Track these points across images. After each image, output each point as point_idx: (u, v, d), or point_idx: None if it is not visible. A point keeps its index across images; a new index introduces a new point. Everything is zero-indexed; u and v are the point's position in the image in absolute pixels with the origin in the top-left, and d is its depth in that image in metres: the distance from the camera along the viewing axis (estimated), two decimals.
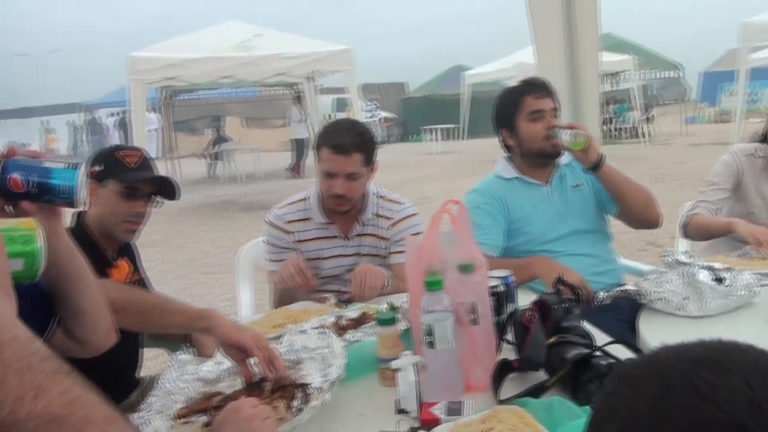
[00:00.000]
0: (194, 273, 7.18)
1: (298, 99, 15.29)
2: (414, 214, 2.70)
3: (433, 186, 12.11)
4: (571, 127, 2.54)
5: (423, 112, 24.67)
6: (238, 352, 1.66)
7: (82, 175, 1.20)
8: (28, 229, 0.97)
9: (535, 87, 2.66)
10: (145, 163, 2.28)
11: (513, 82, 3.07)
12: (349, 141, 2.47)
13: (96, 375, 2.21)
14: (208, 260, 7.69)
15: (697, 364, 0.57)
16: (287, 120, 17.30)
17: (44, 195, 1.18)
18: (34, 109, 29.69)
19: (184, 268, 7.45)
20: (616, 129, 19.11)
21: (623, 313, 2.21)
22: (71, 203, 1.21)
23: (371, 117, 24.66)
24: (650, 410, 0.55)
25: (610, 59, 16.21)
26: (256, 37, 10.08)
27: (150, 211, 2.30)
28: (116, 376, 2.29)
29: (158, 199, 2.32)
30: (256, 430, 1.29)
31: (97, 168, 2.22)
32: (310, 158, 13.72)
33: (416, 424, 1.43)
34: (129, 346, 2.26)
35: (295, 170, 15.82)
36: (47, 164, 1.19)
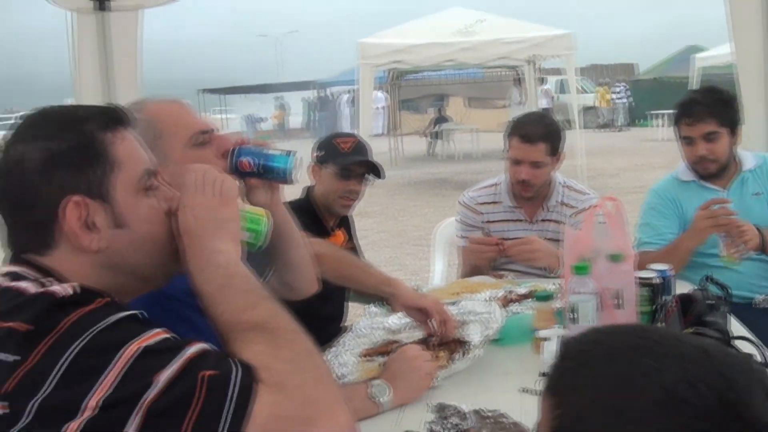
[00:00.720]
0: (404, 244, 7.71)
1: (519, 81, 15.34)
2: (597, 206, 2.86)
3: (653, 175, 11.56)
4: (736, 231, 2.46)
5: (652, 96, 23.12)
6: (419, 313, 2.01)
7: (294, 160, 1.57)
8: (259, 214, 1.35)
9: (687, 112, 2.63)
10: (357, 147, 2.70)
11: None
12: (535, 132, 2.71)
13: (307, 320, 2.71)
14: (417, 233, 8.17)
15: (640, 352, 0.79)
16: (508, 101, 17.42)
17: (266, 174, 1.56)
18: (271, 85, 32.26)
19: (396, 238, 8.02)
20: None
21: None
22: (286, 181, 1.58)
23: (620, 99, 23.63)
24: (614, 388, 0.77)
25: None
26: (479, 22, 10.38)
27: (364, 188, 2.72)
28: (323, 323, 2.75)
29: (370, 178, 2.74)
30: (416, 368, 1.64)
31: (318, 153, 2.69)
32: None
33: None
34: (335, 299, 2.70)
35: None
36: (269, 151, 1.56)
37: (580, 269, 1.75)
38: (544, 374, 1.76)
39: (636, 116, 24.56)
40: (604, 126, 23.52)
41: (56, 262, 1.06)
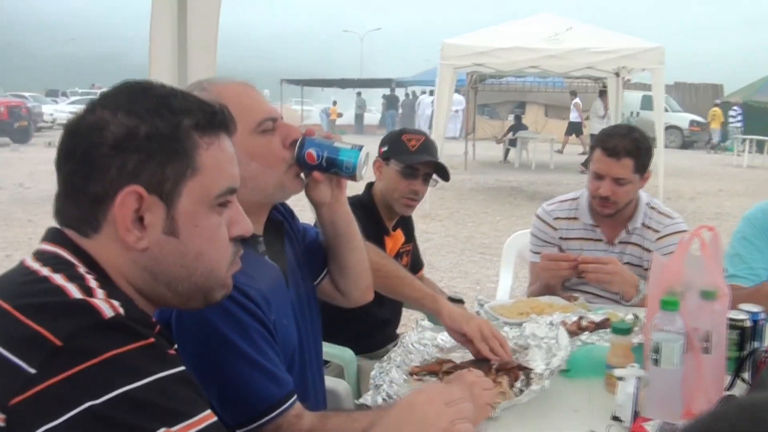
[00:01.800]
0: (469, 251, 7.51)
1: (603, 93, 14.89)
2: (683, 231, 2.63)
3: (732, 203, 11.06)
4: None
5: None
6: (463, 337, 1.84)
7: (363, 155, 1.45)
8: None
9: None
10: (424, 146, 2.55)
11: None
12: (621, 146, 2.48)
13: (359, 324, 2.57)
14: (484, 241, 7.98)
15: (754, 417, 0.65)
16: (589, 114, 16.95)
17: (331, 168, 1.45)
18: (351, 80, 32.55)
19: (461, 244, 7.84)
20: None
21: None
22: (352, 177, 1.47)
23: (734, 122, 22.71)
24: None
25: None
26: (567, 30, 10.05)
27: (426, 189, 2.57)
28: (377, 328, 2.63)
29: (435, 179, 2.58)
30: (475, 395, 1.46)
31: (383, 148, 2.56)
32: None
33: None
34: (389, 305, 2.55)
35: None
36: (336, 144, 1.46)
37: (669, 304, 1.55)
38: (615, 418, 1.58)
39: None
40: (713, 147, 22.79)
41: (97, 249, 0.96)
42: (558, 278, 2.57)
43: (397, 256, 2.64)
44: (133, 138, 0.94)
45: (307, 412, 1.38)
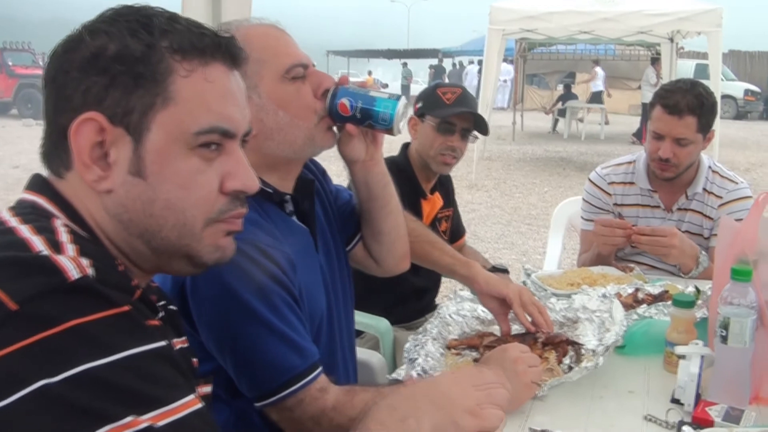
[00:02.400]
0: (516, 221, 7.33)
1: (656, 61, 14.34)
2: (748, 197, 2.43)
3: None
4: None
5: None
6: (499, 304, 1.70)
7: (401, 106, 1.31)
8: None
9: None
10: (461, 99, 2.38)
11: None
12: (684, 102, 2.28)
13: (394, 293, 2.42)
14: (531, 212, 7.78)
15: None
16: (641, 82, 16.39)
17: (366, 120, 1.31)
18: (397, 51, 32.33)
19: (508, 215, 7.65)
20: None
21: None
22: (389, 130, 1.33)
23: None
24: None
25: None
26: None
27: (465, 146, 2.41)
28: (413, 297, 2.49)
29: (474, 135, 2.42)
30: (520, 373, 1.33)
31: (418, 105, 2.41)
32: None
33: (687, 419, 1.35)
34: (426, 272, 2.40)
35: (642, 136, 15.02)
36: (372, 93, 1.32)
37: (741, 274, 1.37)
38: (676, 401, 1.43)
39: None
40: None
41: (71, 192, 0.84)
42: (611, 246, 2.40)
43: (435, 221, 2.49)
44: (100, 59, 0.80)
45: (332, 386, 1.26)
